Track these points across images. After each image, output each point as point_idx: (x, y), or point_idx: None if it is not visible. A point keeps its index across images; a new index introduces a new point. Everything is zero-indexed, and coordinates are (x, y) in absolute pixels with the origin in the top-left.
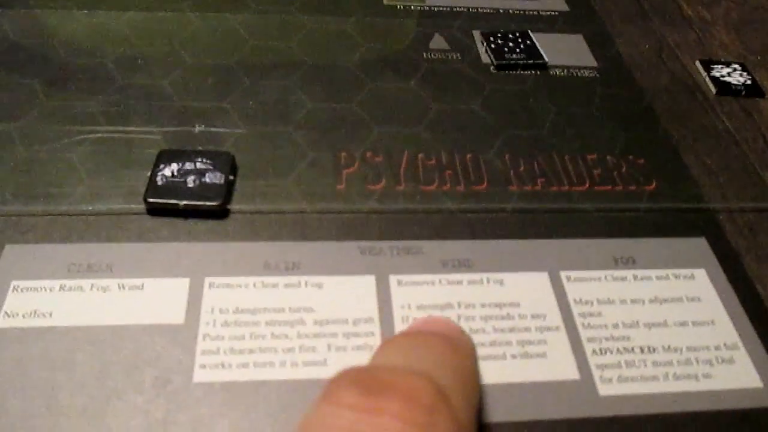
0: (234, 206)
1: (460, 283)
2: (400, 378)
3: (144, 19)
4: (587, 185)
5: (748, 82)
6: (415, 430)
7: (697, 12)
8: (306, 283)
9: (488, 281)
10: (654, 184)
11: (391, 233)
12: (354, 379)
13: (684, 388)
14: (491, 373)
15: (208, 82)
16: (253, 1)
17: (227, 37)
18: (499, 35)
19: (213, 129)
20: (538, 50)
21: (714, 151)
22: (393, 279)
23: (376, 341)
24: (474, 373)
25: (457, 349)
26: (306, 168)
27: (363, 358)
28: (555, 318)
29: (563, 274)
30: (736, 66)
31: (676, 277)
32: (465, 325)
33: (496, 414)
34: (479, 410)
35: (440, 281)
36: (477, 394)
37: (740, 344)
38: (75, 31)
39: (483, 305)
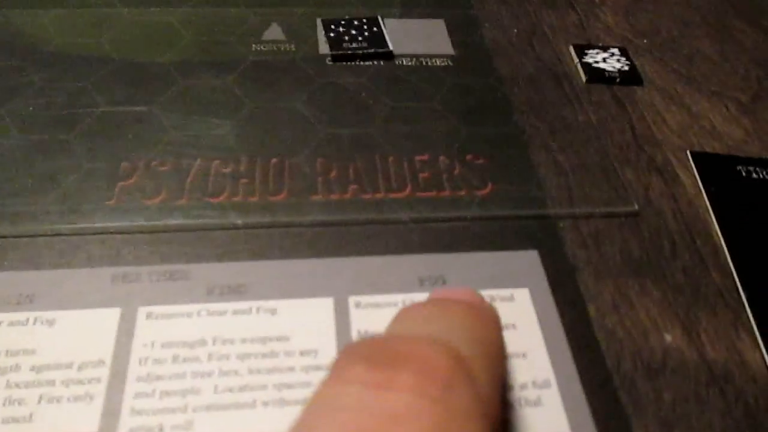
0: None
1: (223, 314)
2: (415, 348)
3: None
4: (408, 191)
5: (625, 68)
6: (430, 404)
7: None
8: (35, 320)
9: (258, 311)
10: (490, 187)
11: (155, 256)
12: (363, 352)
13: None
14: (233, 427)
15: None
16: None
17: (29, 34)
18: (343, 22)
19: None
20: (383, 38)
21: (570, 147)
22: (142, 311)
23: (100, 389)
24: (499, 343)
25: (477, 315)
26: (75, 182)
27: (78, 411)
28: (328, 355)
29: (352, 300)
30: (615, 51)
31: (492, 299)
32: (216, 366)
33: None
34: (504, 381)
35: (199, 312)
36: (502, 365)
37: (552, 381)
38: None
39: (243, 341)
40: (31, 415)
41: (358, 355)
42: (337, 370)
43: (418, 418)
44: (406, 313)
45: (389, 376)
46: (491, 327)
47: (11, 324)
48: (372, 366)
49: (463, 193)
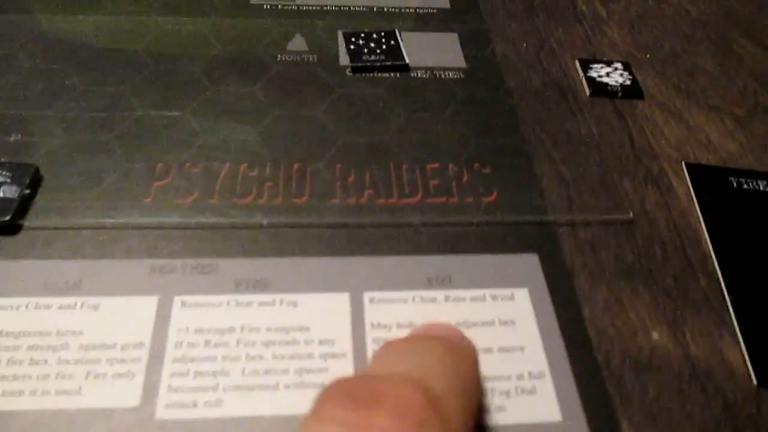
0: (28, 222)
1: (249, 305)
2: (390, 388)
3: None
4: (419, 197)
5: (627, 82)
6: None
7: (592, 8)
8: (82, 305)
9: (281, 303)
10: (495, 195)
11: (188, 250)
12: (342, 391)
13: None
14: (259, 405)
15: (37, 87)
16: (111, 2)
17: (70, 40)
18: (362, 35)
19: (29, 138)
20: (400, 51)
21: (572, 158)
22: (177, 300)
23: (140, 368)
24: (473, 376)
25: (455, 351)
26: (116, 180)
27: (121, 387)
28: (344, 344)
29: (366, 296)
30: (618, 66)
31: (494, 298)
32: (243, 352)
33: None
34: (480, 412)
35: (228, 303)
36: (476, 397)
37: (547, 373)
38: None
39: (268, 329)
40: (80, 389)
41: (336, 394)
42: (317, 409)
43: None
44: (385, 350)
45: (365, 417)
46: (466, 362)
47: (61, 307)
48: (349, 406)
49: (470, 199)
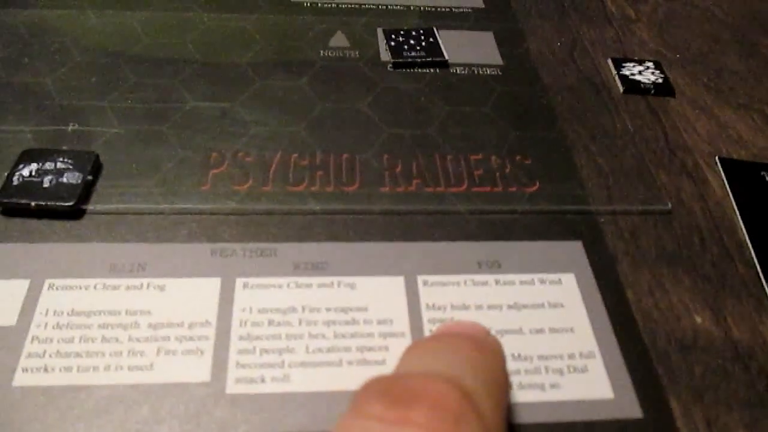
0: (91, 206)
1: (309, 286)
2: (427, 385)
3: (38, 17)
4: (465, 186)
5: (659, 80)
6: None
7: (621, 9)
8: (148, 285)
9: (339, 285)
10: (537, 185)
11: (247, 235)
12: (380, 389)
13: (527, 398)
14: (324, 381)
15: (91, 80)
16: None
17: (120, 35)
18: (402, 32)
19: (86, 128)
20: (439, 48)
21: (609, 151)
22: (239, 282)
23: (208, 345)
24: (501, 372)
25: (483, 349)
26: (173, 168)
27: (191, 363)
28: (402, 323)
29: (420, 279)
30: (649, 64)
31: (542, 282)
32: (305, 330)
33: (329, 425)
34: (508, 408)
35: (288, 284)
36: (505, 392)
37: (597, 353)
38: None
39: (328, 309)
40: (151, 365)
41: (375, 392)
42: (356, 405)
43: None
44: (416, 349)
45: (404, 413)
46: (494, 359)
47: (128, 288)
48: (388, 403)
49: (513, 189)
